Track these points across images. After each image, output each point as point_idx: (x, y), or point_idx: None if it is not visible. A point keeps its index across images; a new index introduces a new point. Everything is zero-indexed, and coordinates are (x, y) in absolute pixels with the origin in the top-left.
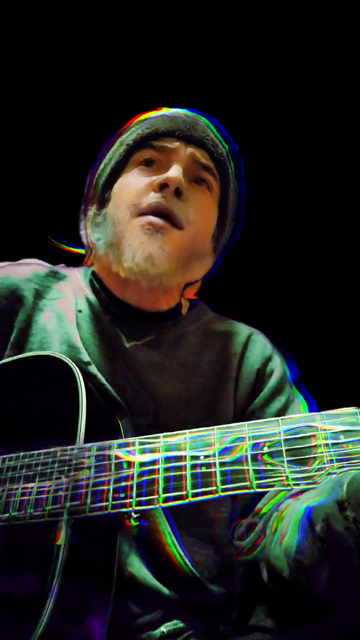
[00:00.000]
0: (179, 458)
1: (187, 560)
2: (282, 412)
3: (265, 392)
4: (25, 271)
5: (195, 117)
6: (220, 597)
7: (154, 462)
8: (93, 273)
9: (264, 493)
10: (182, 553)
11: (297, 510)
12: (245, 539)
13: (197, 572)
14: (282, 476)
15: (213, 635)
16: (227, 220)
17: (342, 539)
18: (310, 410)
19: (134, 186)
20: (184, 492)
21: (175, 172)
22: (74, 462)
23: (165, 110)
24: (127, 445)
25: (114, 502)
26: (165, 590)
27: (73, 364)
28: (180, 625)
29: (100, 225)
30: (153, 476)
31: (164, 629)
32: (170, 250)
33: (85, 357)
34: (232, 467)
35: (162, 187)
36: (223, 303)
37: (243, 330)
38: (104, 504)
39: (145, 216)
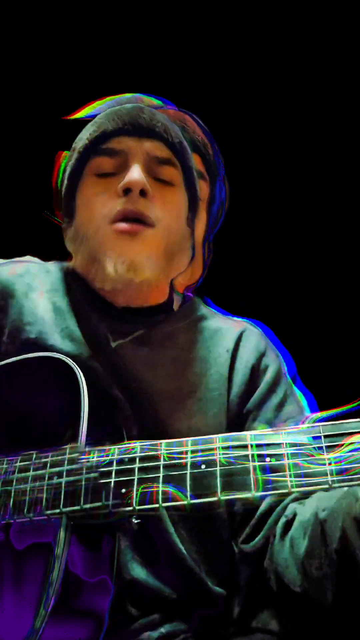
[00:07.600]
0: (180, 465)
1: (187, 558)
2: (280, 406)
3: (261, 389)
4: (17, 268)
5: (139, 100)
6: (220, 597)
7: (154, 469)
8: (77, 273)
9: None
10: (183, 550)
11: (306, 517)
12: (250, 543)
13: (198, 570)
14: (286, 484)
15: (213, 636)
16: (198, 198)
17: (357, 556)
18: (308, 404)
19: (98, 197)
20: (185, 502)
21: (136, 173)
22: (73, 465)
23: (108, 100)
24: (127, 450)
25: (113, 510)
26: (166, 591)
27: (75, 365)
28: (180, 626)
29: (73, 240)
30: (152, 484)
31: (163, 630)
32: (149, 252)
33: (88, 352)
34: (235, 477)
35: (126, 191)
36: (217, 296)
37: (236, 325)
38: (103, 511)
39: (117, 223)
